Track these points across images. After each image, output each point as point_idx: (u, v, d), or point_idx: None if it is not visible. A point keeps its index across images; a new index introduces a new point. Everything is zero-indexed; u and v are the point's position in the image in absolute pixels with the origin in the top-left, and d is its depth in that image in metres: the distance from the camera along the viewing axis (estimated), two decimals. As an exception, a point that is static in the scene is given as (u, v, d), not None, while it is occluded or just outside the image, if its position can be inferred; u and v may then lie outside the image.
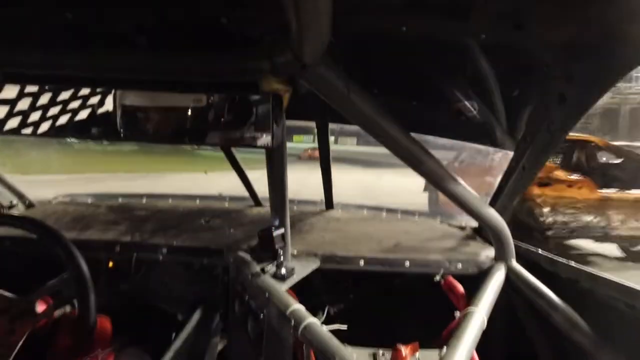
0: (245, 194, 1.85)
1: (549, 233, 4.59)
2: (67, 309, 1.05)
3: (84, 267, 1.04)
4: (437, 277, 1.23)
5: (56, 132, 0.97)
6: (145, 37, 0.65)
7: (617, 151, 5.48)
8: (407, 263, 1.25)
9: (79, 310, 1.04)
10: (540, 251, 1.22)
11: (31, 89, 0.92)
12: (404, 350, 0.95)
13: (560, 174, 4.71)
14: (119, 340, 1.18)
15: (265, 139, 0.89)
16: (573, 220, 4.56)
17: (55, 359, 1.07)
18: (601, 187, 4.67)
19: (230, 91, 0.85)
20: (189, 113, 0.86)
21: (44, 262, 1.08)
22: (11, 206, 1.61)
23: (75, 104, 0.93)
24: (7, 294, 1.02)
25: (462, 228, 1.66)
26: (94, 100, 0.93)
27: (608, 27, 0.71)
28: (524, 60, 0.89)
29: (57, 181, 6.28)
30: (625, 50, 0.75)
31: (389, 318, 1.22)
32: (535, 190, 4.50)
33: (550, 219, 4.54)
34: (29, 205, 1.67)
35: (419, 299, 1.27)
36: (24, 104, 0.93)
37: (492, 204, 1.29)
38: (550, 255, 1.17)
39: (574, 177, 4.71)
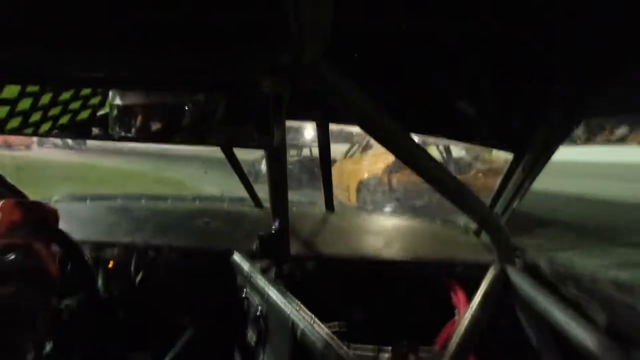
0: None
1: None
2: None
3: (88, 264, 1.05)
4: (437, 279, 1.23)
5: (57, 133, 0.97)
6: (145, 37, 0.65)
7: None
8: (407, 264, 1.25)
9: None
10: (540, 254, 1.22)
11: (32, 89, 0.93)
12: (404, 351, 0.94)
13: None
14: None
15: (265, 139, 0.89)
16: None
17: None
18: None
19: (230, 91, 0.85)
20: (188, 112, 0.86)
21: None
22: None
23: (76, 104, 0.93)
24: None
25: (461, 229, 1.66)
26: (95, 100, 0.93)
27: (608, 27, 0.71)
28: (524, 61, 0.89)
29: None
30: (624, 49, 0.75)
31: (388, 319, 1.21)
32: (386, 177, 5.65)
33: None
34: None
35: (419, 300, 1.27)
36: (25, 104, 0.93)
37: (492, 205, 1.29)
38: (550, 257, 1.17)
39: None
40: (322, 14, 0.54)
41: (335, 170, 7.15)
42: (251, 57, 0.67)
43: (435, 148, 5.53)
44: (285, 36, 0.55)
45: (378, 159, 5.86)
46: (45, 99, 0.94)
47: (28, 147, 13.01)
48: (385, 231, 1.57)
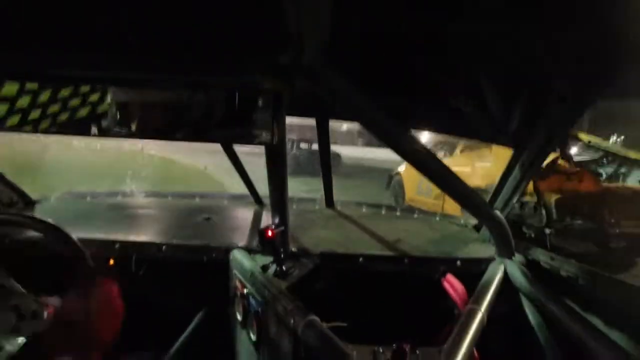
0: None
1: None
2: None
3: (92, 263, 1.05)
4: (437, 275, 1.24)
5: (56, 130, 0.97)
6: (146, 36, 0.65)
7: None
8: (407, 260, 1.25)
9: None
10: (539, 249, 1.23)
11: (31, 86, 0.92)
12: (404, 347, 0.95)
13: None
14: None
15: (265, 137, 0.89)
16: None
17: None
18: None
19: (231, 89, 0.85)
20: (190, 110, 0.86)
21: (46, 260, 1.09)
22: (11, 204, 1.61)
23: (75, 102, 0.93)
24: (20, 289, 0.97)
25: (462, 225, 1.67)
26: (94, 97, 0.93)
27: (608, 28, 0.71)
28: (524, 60, 0.89)
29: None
30: (624, 51, 0.75)
31: (389, 316, 1.22)
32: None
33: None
34: (29, 202, 1.67)
35: (419, 296, 1.28)
36: (24, 101, 0.93)
37: (492, 201, 1.29)
38: (549, 253, 1.18)
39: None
40: (322, 14, 0.54)
41: (408, 172, 5.89)
42: (252, 57, 0.67)
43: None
44: (285, 36, 0.55)
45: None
46: (45, 96, 0.94)
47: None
48: (384, 227, 1.58)
